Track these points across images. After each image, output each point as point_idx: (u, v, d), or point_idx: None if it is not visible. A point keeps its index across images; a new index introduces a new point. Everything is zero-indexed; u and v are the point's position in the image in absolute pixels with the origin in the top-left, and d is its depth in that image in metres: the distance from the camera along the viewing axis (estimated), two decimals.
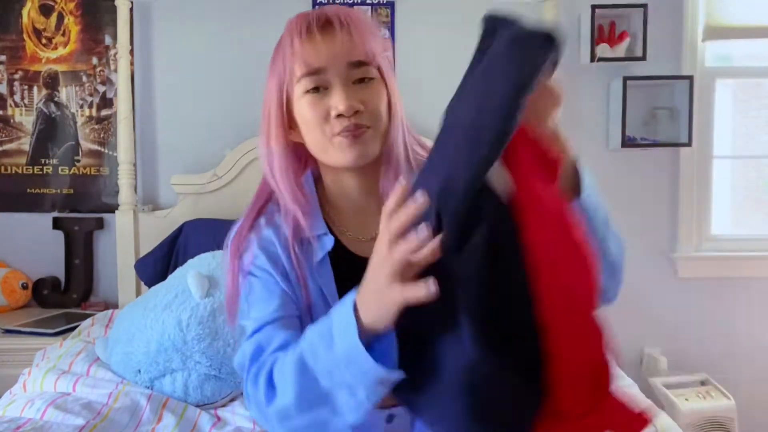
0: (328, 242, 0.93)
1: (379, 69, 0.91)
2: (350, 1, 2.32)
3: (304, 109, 0.89)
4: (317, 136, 0.89)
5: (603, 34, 2.30)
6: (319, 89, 0.88)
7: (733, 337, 2.47)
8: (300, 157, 0.97)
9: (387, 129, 0.92)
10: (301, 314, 0.90)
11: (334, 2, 2.32)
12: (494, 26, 0.74)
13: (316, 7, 2.31)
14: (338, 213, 0.98)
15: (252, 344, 0.85)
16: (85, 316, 2.08)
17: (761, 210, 2.59)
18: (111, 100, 2.35)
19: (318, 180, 0.99)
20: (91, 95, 2.36)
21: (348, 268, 0.90)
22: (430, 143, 0.78)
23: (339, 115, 0.86)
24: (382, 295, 0.68)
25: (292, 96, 0.90)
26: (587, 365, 0.67)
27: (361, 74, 0.88)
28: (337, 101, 0.86)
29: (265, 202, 0.97)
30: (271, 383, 0.79)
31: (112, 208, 2.29)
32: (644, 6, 2.25)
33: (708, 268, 2.44)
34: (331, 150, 0.89)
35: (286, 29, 0.91)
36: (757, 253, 2.44)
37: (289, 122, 0.93)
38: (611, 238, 0.84)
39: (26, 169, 2.38)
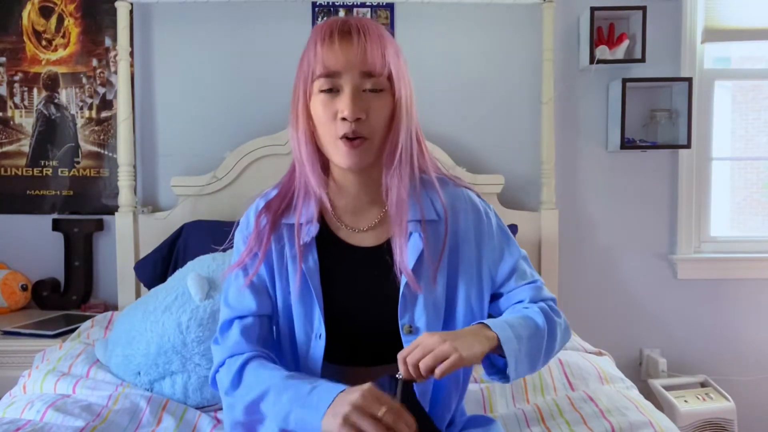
0: (314, 229, 1.05)
1: (390, 80, 0.99)
2: (349, 3, 2.32)
3: (317, 106, 0.98)
4: (325, 134, 0.99)
5: (602, 36, 2.30)
6: (332, 90, 0.97)
7: (732, 339, 2.47)
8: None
9: (385, 137, 1.01)
10: (276, 295, 1.07)
11: (333, 5, 2.32)
12: None
13: (316, 9, 2.32)
14: (338, 203, 1.08)
15: (236, 331, 1.05)
16: (85, 318, 2.08)
17: (760, 212, 2.59)
18: (111, 101, 2.35)
19: (326, 172, 1.08)
20: (91, 97, 2.36)
21: (336, 253, 1.06)
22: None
23: (343, 119, 0.96)
24: (333, 418, 0.84)
25: (312, 92, 0.99)
26: None
27: (372, 85, 0.97)
28: (344, 106, 0.96)
29: (292, 183, 1.08)
30: (240, 375, 1.00)
31: (111, 210, 2.29)
32: (643, 8, 2.25)
33: (707, 269, 2.44)
34: (334, 150, 0.99)
35: (313, 32, 1.00)
36: (756, 255, 2.45)
37: (310, 114, 1.01)
38: (555, 345, 1.06)
39: (26, 170, 2.38)
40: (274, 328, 1.10)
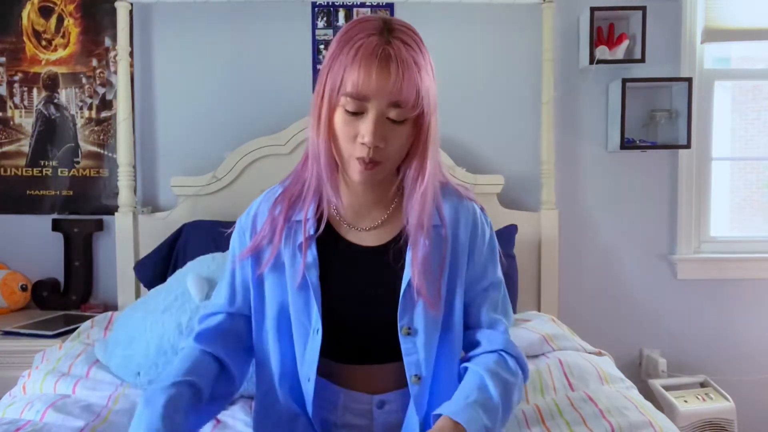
0: (313, 225, 1.05)
1: (418, 113, 0.97)
2: (349, 3, 2.32)
3: (339, 120, 0.98)
4: (341, 148, 0.99)
5: (602, 36, 2.30)
6: (356, 112, 0.96)
7: (732, 339, 2.47)
8: None
9: (400, 158, 1.02)
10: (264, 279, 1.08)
11: (333, 5, 2.32)
12: None
13: (316, 9, 2.31)
14: (343, 201, 1.08)
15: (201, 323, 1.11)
16: (85, 318, 2.08)
17: (759, 212, 2.59)
18: (111, 101, 2.35)
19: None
20: (90, 97, 2.36)
21: (336, 251, 1.07)
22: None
23: (363, 143, 0.96)
24: None
25: (337, 103, 0.97)
26: None
27: (396, 115, 0.96)
28: (365, 132, 0.95)
29: (304, 174, 1.07)
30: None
31: (111, 210, 2.29)
32: (643, 8, 2.25)
33: (707, 269, 2.44)
34: (348, 165, 1.00)
35: (351, 39, 0.95)
36: (756, 255, 2.45)
37: (332, 124, 1.00)
38: (511, 411, 1.03)
39: (26, 170, 2.38)
40: (269, 324, 1.09)
